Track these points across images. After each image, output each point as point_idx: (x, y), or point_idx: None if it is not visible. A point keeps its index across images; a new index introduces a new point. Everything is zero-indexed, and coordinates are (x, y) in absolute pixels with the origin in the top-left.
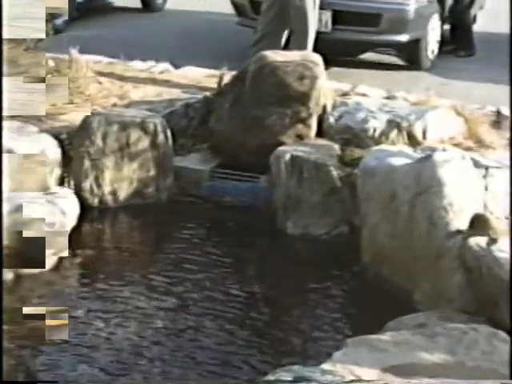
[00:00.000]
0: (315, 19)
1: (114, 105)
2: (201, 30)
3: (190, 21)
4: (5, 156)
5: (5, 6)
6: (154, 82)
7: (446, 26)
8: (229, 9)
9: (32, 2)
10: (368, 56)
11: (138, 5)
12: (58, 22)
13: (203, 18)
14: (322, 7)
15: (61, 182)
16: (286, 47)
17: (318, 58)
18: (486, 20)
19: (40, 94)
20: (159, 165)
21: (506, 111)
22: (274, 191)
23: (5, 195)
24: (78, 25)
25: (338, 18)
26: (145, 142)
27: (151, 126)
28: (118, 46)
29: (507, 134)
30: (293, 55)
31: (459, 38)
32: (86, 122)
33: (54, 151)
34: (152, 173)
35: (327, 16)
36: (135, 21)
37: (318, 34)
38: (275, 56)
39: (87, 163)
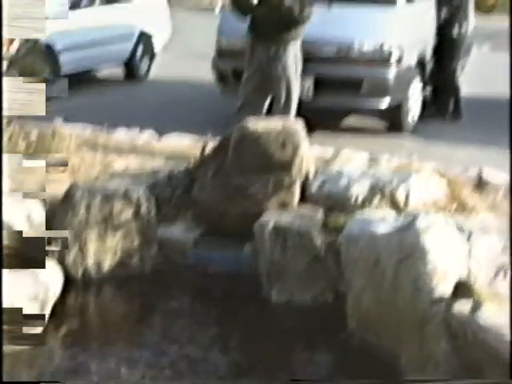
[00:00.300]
0: (298, 86)
1: (98, 176)
2: (185, 98)
3: (174, 89)
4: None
5: (5, 5)
6: (137, 151)
7: (428, 89)
8: (212, 76)
9: (32, 1)
10: (351, 120)
11: (122, 76)
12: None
13: (187, 86)
14: (303, 74)
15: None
16: (269, 114)
17: (299, 126)
18: (467, 83)
19: (40, 94)
20: (143, 235)
21: (488, 174)
22: (258, 259)
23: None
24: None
25: (320, 84)
26: (128, 213)
27: (134, 196)
28: (102, 116)
29: (490, 197)
30: (275, 123)
31: (443, 102)
32: (69, 193)
33: (39, 215)
34: (136, 243)
35: (309, 83)
36: (119, 91)
37: (300, 100)
38: (257, 124)
39: (70, 235)
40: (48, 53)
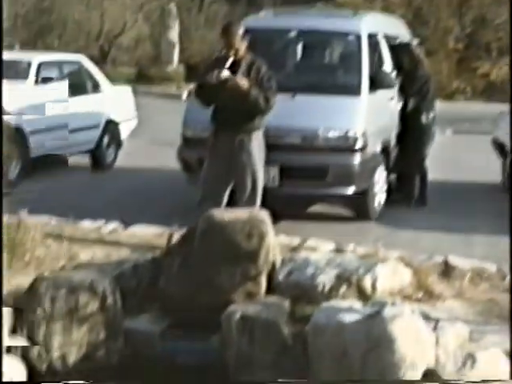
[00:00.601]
0: (262, 175)
1: (63, 267)
2: (151, 187)
3: (141, 177)
4: None
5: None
6: (103, 242)
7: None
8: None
9: None
10: (317, 208)
11: (88, 163)
12: (12, 175)
13: (154, 174)
14: (269, 162)
15: (8, 349)
16: (231, 203)
17: (265, 215)
18: (431, 168)
19: None
20: (109, 327)
21: (453, 260)
22: (225, 350)
23: None
24: (30, 181)
25: (286, 172)
26: (94, 305)
27: (100, 288)
28: (68, 205)
29: (456, 284)
30: (240, 213)
31: (409, 188)
32: (33, 286)
33: None
34: (102, 336)
35: (275, 171)
36: (85, 179)
37: (266, 188)
38: (223, 214)
39: (35, 328)
40: (17, 135)
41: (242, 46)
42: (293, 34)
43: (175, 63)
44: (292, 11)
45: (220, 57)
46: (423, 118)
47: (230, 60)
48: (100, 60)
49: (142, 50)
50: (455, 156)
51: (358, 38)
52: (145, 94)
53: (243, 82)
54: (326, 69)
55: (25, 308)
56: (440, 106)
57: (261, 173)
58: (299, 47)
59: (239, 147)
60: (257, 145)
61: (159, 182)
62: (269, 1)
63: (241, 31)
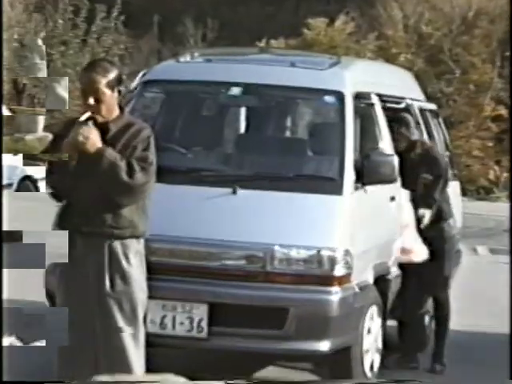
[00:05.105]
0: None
1: None
2: None
3: None
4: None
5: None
6: None
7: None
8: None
9: None
10: (270, 372)
11: None
12: None
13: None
14: (191, 298)
15: None
16: None
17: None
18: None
19: None
20: None
21: None
22: None
23: None
24: None
25: (218, 315)
26: None
27: None
28: None
29: None
30: (149, 379)
31: (413, 342)
32: None
33: None
34: None
35: (201, 313)
36: None
37: (188, 340)
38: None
39: None
40: None
41: (110, 100)
42: (235, 90)
43: (39, 130)
44: (233, 53)
45: (74, 118)
46: (443, 227)
47: (86, 115)
48: None
49: None
50: (493, 289)
51: (340, 98)
52: None
53: (92, 135)
54: (287, 148)
55: None
56: (470, 207)
57: (142, 308)
58: (244, 112)
59: (109, 261)
60: (136, 264)
61: None
62: (195, 35)
63: (112, 76)
